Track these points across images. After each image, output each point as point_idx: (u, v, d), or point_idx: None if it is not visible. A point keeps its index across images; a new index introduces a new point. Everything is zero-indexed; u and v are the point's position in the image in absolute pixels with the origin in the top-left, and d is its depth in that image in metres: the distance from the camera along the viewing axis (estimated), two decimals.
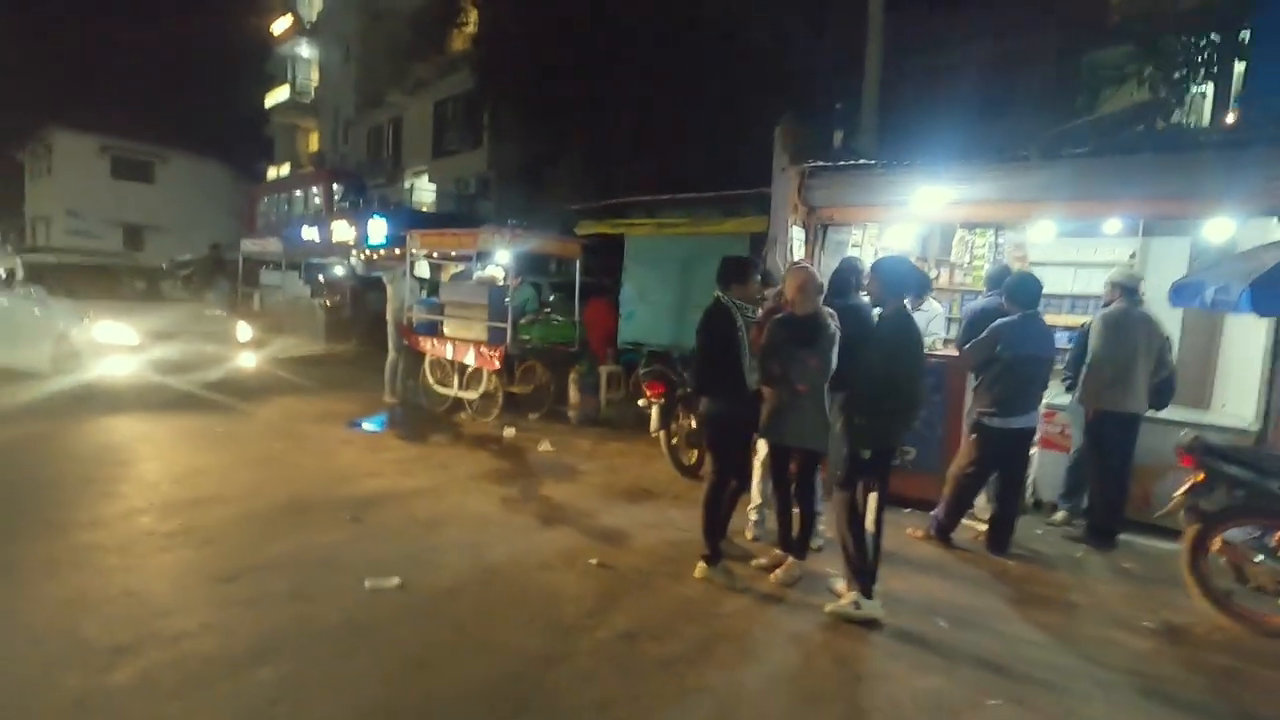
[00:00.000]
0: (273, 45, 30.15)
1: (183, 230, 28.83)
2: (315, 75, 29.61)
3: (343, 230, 22.51)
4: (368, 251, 18.94)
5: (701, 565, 3.79)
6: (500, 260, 8.14)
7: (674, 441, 5.91)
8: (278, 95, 30.38)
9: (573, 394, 7.87)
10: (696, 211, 7.73)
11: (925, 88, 11.15)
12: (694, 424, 5.89)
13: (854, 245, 6.62)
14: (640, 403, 6.07)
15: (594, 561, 3.94)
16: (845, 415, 3.57)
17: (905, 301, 3.50)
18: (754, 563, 4.04)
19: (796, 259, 5.92)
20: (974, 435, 4.40)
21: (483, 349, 7.31)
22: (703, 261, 7.74)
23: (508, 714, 2.56)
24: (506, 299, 7.39)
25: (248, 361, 8.35)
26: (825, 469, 4.00)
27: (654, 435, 5.92)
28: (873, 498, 3.44)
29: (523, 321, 7.81)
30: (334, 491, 4.93)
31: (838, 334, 3.80)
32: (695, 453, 5.93)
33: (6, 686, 2.51)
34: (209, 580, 3.43)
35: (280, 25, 29.33)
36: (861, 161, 5.73)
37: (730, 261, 3.84)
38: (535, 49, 15.84)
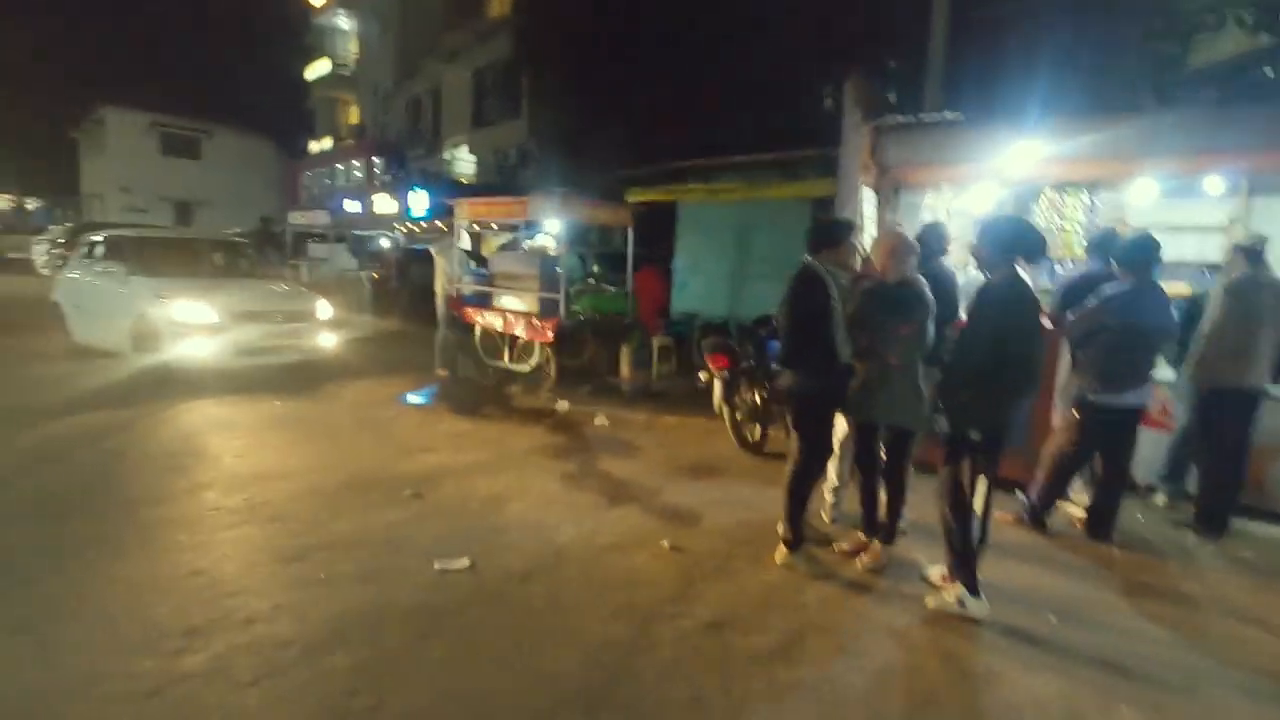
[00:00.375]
0: (312, 17, 30.10)
1: (230, 205, 29.38)
2: (354, 47, 29.52)
3: (384, 203, 22.63)
4: (409, 224, 18.98)
5: (783, 550, 3.57)
6: (550, 229, 7.92)
7: (737, 416, 5.66)
8: (318, 68, 30.41)
9: (624, 366, 7.66)
10: (753, 176, 7.37)
11: (994, 38, 10.43)
12: (758, 399, 5.64)
13: (928, 208, 6.19)
14: (701, 376, 5.83)
15: (666, 544, 3.75)
16: (947, 392, 3.27)
17: (1017, 266, 3.16)
18: (835, 547, 3.80)
19: (875, 223, 5.56)
20: (1077, 413, 4.04)
21: (535, 321, 7.13)
22: (760, 228, 7.42)
23: (592, 706, 2.39)
24: (558, 269, 7.19)
25: (327, 342, 7.63)
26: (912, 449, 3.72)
27: (717, 410, 5.68)
28: (981, 481, 3.15)
29: (572, 292, 7.60)
30: (392, 467, 4.83)
31: (933, 303, 3.48)
32: (758, 428, 5.69)
33: (82, 672, 2.43)
34: (277, 559, 3.34)
35: None
36: (946, 116, 5.29)
37: (822, 223, 3.54)
38: (576, 11, 15.41)
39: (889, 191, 5.83)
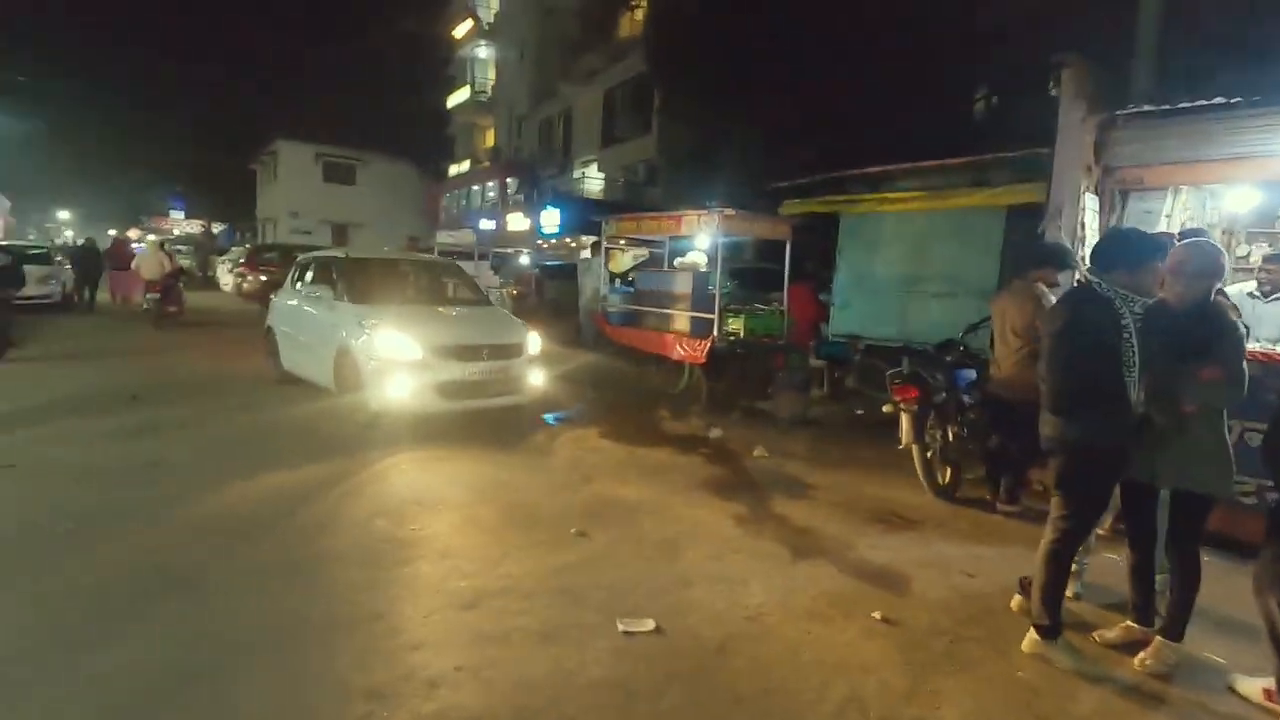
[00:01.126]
0: (454, 49, 31.97)
1: (379, 226, 31.58)
2: (492, 74, 30.99)
3: (517, 221, 23.40)
4: (541, 241, 19.40)
5: (1034, 637, 2.89)
6: (700, 245, 7.54)
7: (928, 456, 4.96)
8: (458, 96, 32.22)
9: (779, 392, 7.11)
10: (933, 182, 6.60)
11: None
12: (952, 437, 4.91)
13: (1165, 216, 5.20)
14: (885, 409, 5.18)
15: (877, 615, 3.17)
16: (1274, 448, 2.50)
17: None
18: (1097, 635, 3.06)
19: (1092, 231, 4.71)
20: None
21: (686, 341, 6.75)
22: (939, 241, 6.64)
23: None
24: (711, 287, 6.77)
25: (536, 381, 6.32)
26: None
27: (903, 447, 5.00)
28: None
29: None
30: (552, 499, 4.57)
31: (1243, 335, 2.72)
32: (950, 470, 4.96)
33: None
34: (452, 604, 3.10)
35: (462, 29, 30.99)
36: (1216, 101, 4.34)
37: (1116, 236, 2.86)
38: (709, 24, 15.13)
39: (1115, 195, 4.95)
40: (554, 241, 19.92)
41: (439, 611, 3.04)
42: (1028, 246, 4.83)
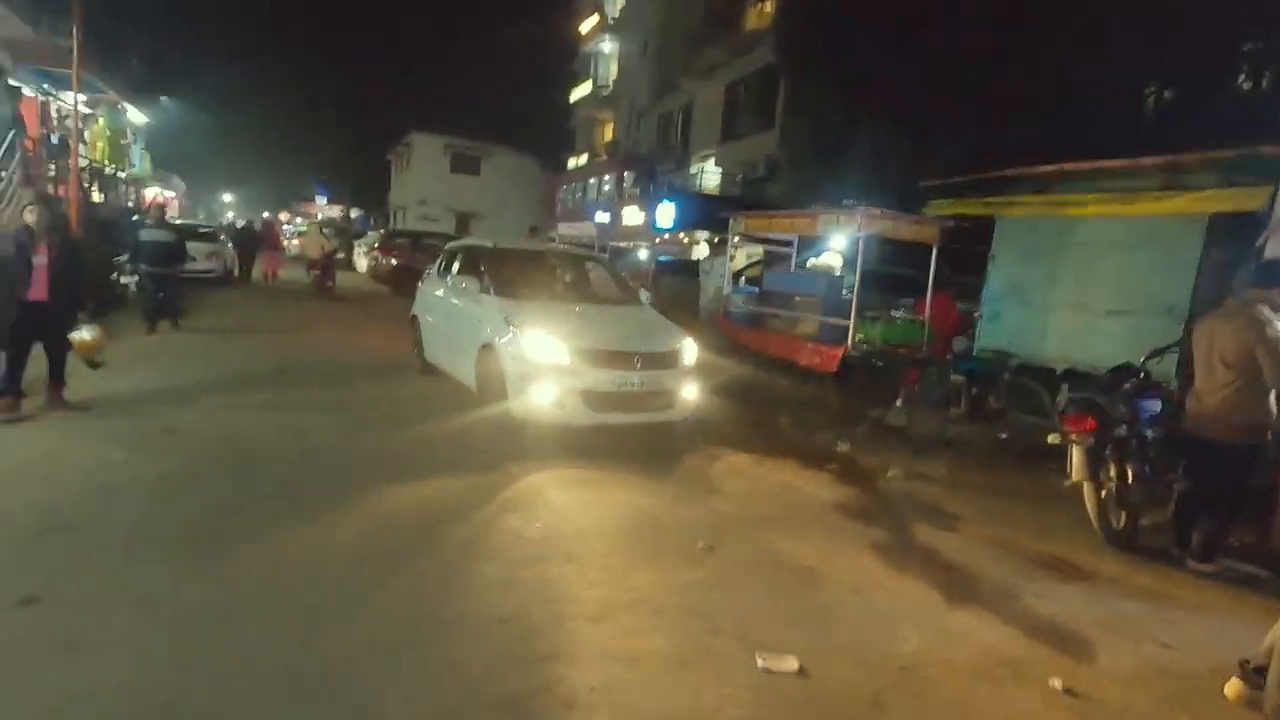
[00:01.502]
0: (579, 44, 32.53)
1: (499, 216, 32.77)
2: (614, 69, 31.28)
3: (633, 215, 23.48)
4: (656, 236, 19.33)
5: None
6: (834, 246, 7.10)
7: (1102, 495, 4.36)
8: (580, 90, 32.79)
9: (913, 407, 6.58)
10: (1116, 184, 5.83)
11: None
12: (1132, 477, 4.28)
13: None
14: (1050, 438, 4.62)
15: (1057, 684, 2.75)
16: None
17: None
18: None
19: None
20: None
21: (815, 347, 6.37)
22: (1118, 251, 5.88)
23: None
24: (846, 291, 6.35)
25: (690, 396, 5.57)
26: None
27: (1071, 484, 4.44)
28: None
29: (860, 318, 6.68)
30: (677, 509, 4.35)
31: None
32: (1127, 515, 4.33)
33: None
34: (581, 615, 2.97)
35: (587, 24, 31.48)
36: None
37: None
38: (847, 11, 14.42)
39: None
40: (667, 236, 19.78)
41: (569, 622, 2.92)
42: (1261, 263, 4.11)
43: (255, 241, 17.30)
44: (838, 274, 6.81)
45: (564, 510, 4.19)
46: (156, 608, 2.74)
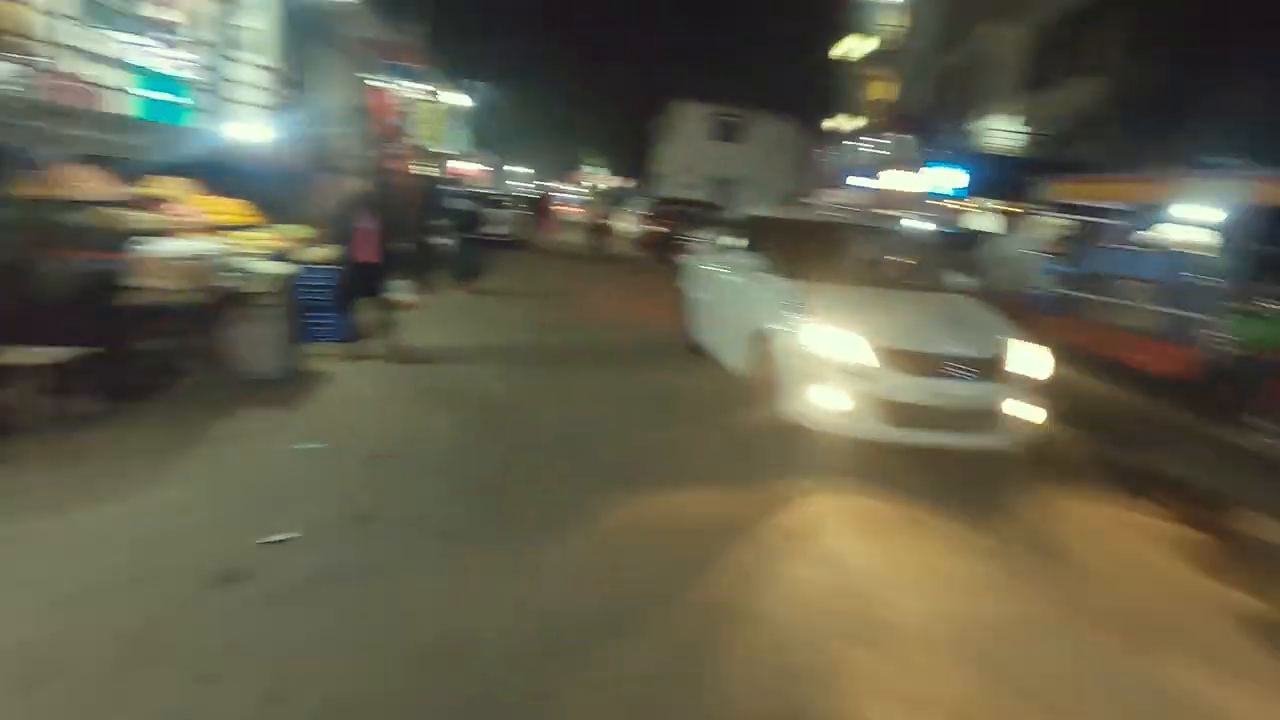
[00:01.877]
0: None
1: (758, 183, 32.33)
2: (897, 21, 28.54)
3: (903, 180, 21.47)
4: (933, 202, 17.45)
5: None
6: (1187, 218, 5.56)
7: None
8: (848, 47, 30.57)
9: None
10: None
11: None
12: None
13: None
14: None
15: None
16: None
17: None
18: None
19: None
20: None
21: (1158, 346, 5.07)
22: None
23: None
24: (1213, 278, 4.92)
25: (1031, 418, 4.46)
26: None
27: None
28: None
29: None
30: (1011, 583, 3.36)
31: None
32: None
33: None
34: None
35: None
36: None
37: None
38: None
39: None
40: (946, 203, 17.75)
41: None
42: None
43: (537, 209, 19.80)
44: (1198, 254, 5.32)
45: (852, 562, 3.43)
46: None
